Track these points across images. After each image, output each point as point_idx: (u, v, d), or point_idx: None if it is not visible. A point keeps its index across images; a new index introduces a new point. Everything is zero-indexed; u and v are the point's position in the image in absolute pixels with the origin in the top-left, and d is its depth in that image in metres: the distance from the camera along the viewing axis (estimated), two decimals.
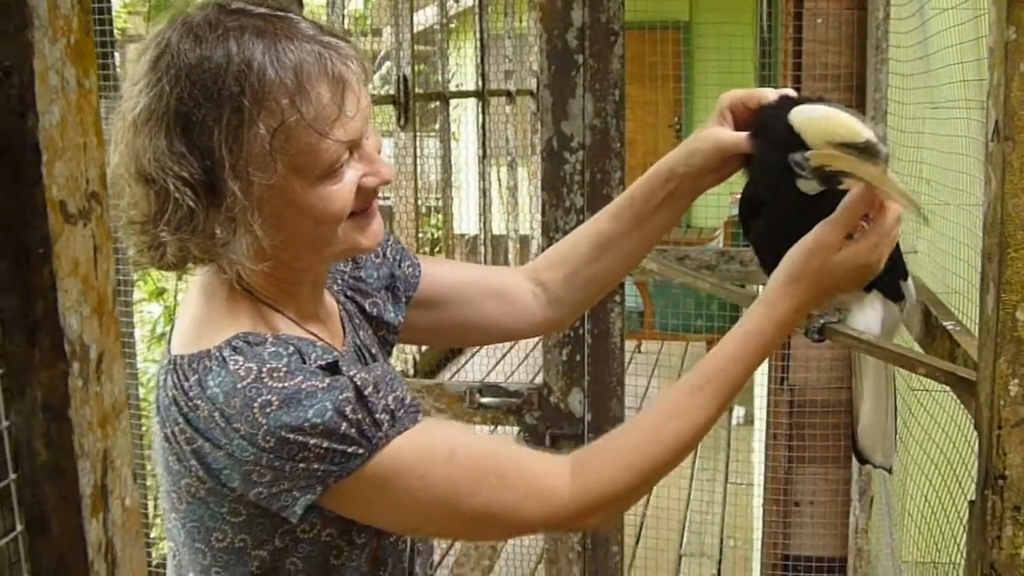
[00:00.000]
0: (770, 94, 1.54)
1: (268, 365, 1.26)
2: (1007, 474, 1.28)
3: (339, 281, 1.60)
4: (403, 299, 1.67)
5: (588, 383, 2.96)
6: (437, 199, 8.64)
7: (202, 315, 1.37)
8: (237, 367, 1.26)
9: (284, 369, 1.26)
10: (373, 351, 1.57)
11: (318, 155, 1.28)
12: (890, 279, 1.66)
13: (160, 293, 6.06)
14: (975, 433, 1.75)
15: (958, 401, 1.52)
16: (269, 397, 1.23)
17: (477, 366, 8.20)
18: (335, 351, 1.35)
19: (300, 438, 1.23)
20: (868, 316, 1.64)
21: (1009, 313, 1.24)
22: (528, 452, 1.43)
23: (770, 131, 1.50)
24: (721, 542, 5.70)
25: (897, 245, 1.67)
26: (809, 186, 1.47)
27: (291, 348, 1.29)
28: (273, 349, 1.28)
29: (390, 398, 1.29)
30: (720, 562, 5.51)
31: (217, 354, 1.28)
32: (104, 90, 3.54)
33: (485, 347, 8.40)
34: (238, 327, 1.33)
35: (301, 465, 1.25)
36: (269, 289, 1.39)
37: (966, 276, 2.03)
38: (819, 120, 1.45)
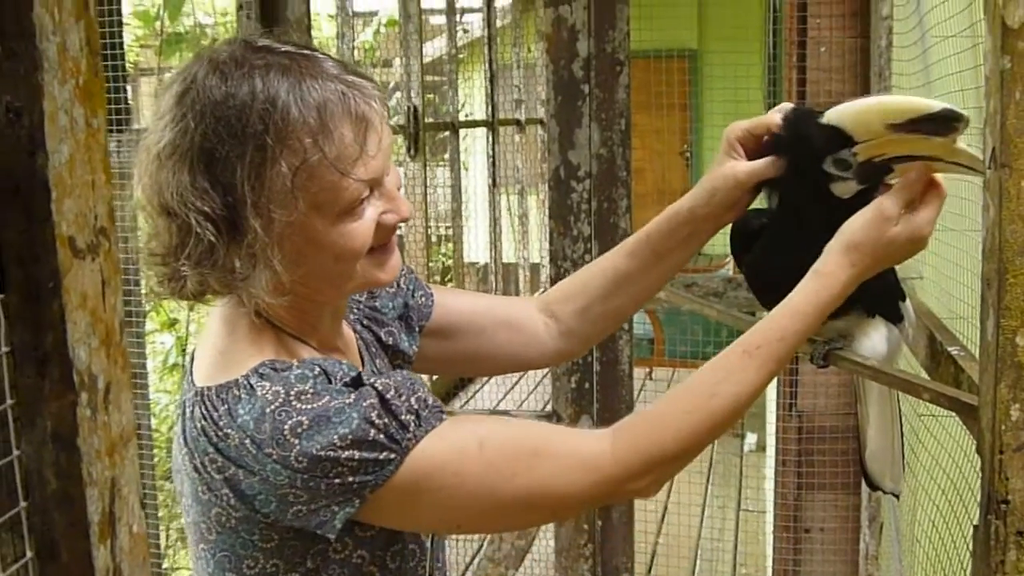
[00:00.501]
0: (774, 116, 1.54)
1: (296, 388, 1.27)
2: (1010, 499, 1.28)
3: (355, 311, 1.61)
4: (417, 328, 1.68)
5: (597, 410, 2.97)
6: (447, 228, 8.66)
7: (225, 346, 1.38)
8: (265, 392, 1.27)
9: (311, 391, 1.27)
10: None
11: (339, 193, 1.29)
12: (890, 301, 1.67)
13: (172, 324, 6.09)
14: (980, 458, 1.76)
15: (964, 426, 1.53)
16: (300, 419, 1.24)
17: (488, 394, 8.20)
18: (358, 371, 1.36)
19: (333, 454, 1.23)
20: (873, 340, 1.65)
21: (1009, 338, 1.25)
22: (560, 427, 1.43)
23: (798, 143, 1.49)
24: (734, 570, 5.68)
25: (893, 267, 1.68)
26: (847, 188, 1.47)
27: (317, 369, 1.30)
28: (300, 372, 1.29)
29: (412, 399, 1.30)
30: None
31: (244, 383, 1.29)
32: (117, 124, 3.57)
33: (496, 375, 8.40)
34: (263, 356, 1.34)
35: (336, 481, 1.25)
36: (290, 320, 1.41)
37: (969, 301, 2.04)
38: (874, 107, 1.45)
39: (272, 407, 1.25)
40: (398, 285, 1.67)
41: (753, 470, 6.82)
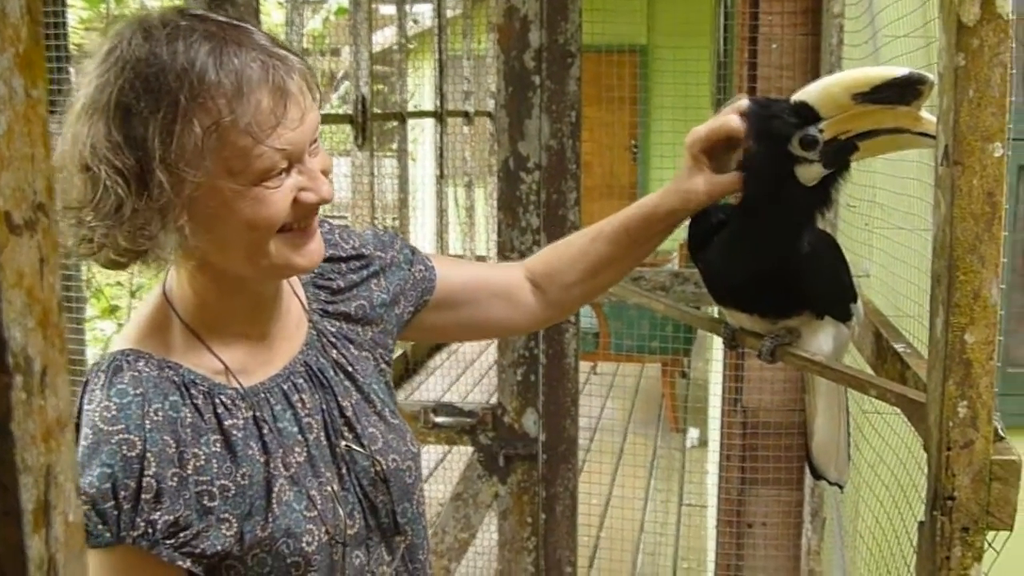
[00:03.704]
0: (732, 118, 1.51)
1: (109, 402, 1.31)
2: (956, 495, 1.28)
3: (314, 303, 1.58)
4: (422, 302, 1.68)
5: (543, 403, 2.96)
6: (394, 219, 8.63)
7: (134, 314, 1.43)
8: (107, 398, 1.32)
9: (115, 411, 1.31)
10: (358, 367, 1.57)
11: (252, 160, 1.28)
12: (841, 304, 1.68)
13: (113, 310, 5.99)
14: (925, 455, 1.76)
15: (908, 423, 1.53)
16: (83, 444, 1.30)
17: (432, 386, 8.18)
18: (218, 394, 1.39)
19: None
20: (820, 338, 1.65)
21: (958, 335, 1.25)
22: None
23: (764, 123, 1.49)
24: (675, 564, 5.70)
25: (848, 269, 1.69)
26: (812, 172, 1.47)
27: (140, 389, 1.33)
28: (122, 386, 1.32)
29: (165, 517, 1.31)
30: None
31: (106, 368, 1.34)
32: (58, 104, 3.49)
33: (440, 367, 8.39)
34: (132, 340, 1.38)
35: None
36: (189, 306, 1.42)
37: (917, 299, 2.05)
38: (838, 80, 1.46)
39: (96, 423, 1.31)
40: (394, 252, 1.67)
41: (695, 465, 6.86)
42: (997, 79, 1.20)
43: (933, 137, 1.40)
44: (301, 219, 1.37)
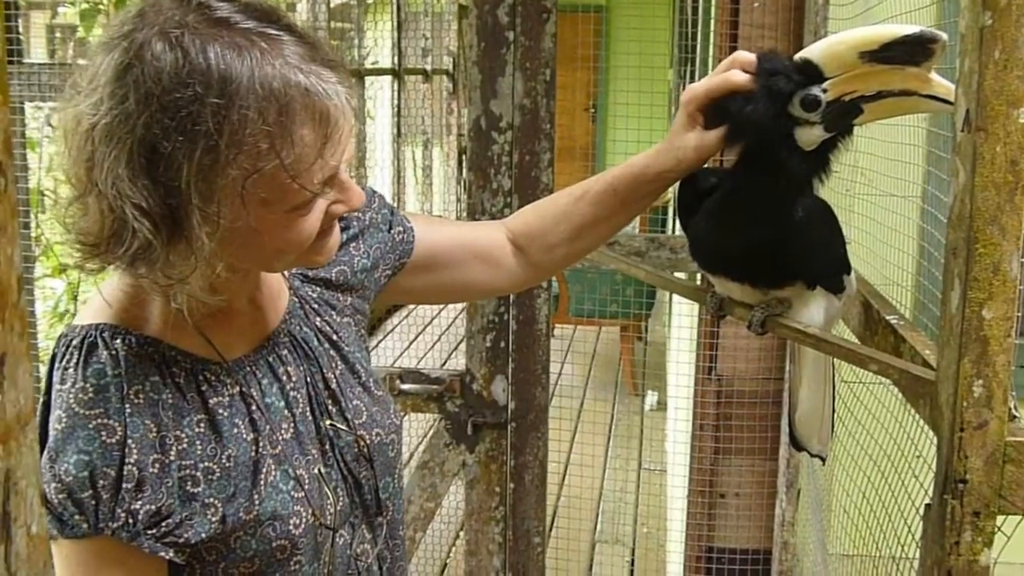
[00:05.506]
0: (735, 74, 1.43)
1: (85, 384, 1.22)
2: (968, 478, 1.22)
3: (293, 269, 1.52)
4: (399, 265, 1.62)
5: (512, 370, 2.89)
6: (351, 178, 8.52)
7: (106, 281, 1.31)
8: (79, 379, 1.23)
9: (91, 394, 1.22)
10: (341, 334, 1.51)
11: (289, 194, 1.20)
12: (834, 275, 1.62)
13: (63, 269, 5.84)
14: (916, 426, 1.71)
15: (895, 393, 1.47)
16: (57, 427, 1.22)
17: (388, 350, 8.08)
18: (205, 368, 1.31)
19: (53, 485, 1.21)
20: (811, 310, 1.60)
21: (975, 311, 1.19)
22: None
23: (765, 87, 1.40)
24: (635, 529, 5.69)
25: (843, 240, 1.63)
26: (812, 136, 1.40)
27: (119, 371, 1.23)
28: (98, 366, 1.23)
29: (147, 507, 1.23)
30: (634, 548, 5.49)
31: (79, 344, 1.25)
32: (7, 56, 3.38)
33: (397, 330, 8.32)
34: (104, 314, 1.27)
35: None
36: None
37: (906, 267, 2.00)
38: (846, 37, 1.38)
39: (70, 404, 1.22)
40: (373, 213, 1.59)
41: (654, 430, 6.84)
42: None
43: (943, 100, 1.34)
44: (325, 223, 1.29)
